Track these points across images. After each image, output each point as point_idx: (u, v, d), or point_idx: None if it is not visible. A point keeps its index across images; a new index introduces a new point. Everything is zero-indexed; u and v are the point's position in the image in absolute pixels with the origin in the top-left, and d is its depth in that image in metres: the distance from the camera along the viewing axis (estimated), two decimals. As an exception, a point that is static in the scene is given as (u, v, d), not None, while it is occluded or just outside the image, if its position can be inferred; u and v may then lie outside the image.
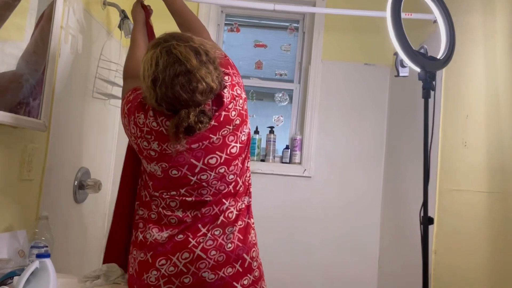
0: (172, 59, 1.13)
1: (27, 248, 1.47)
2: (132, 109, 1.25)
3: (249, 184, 1.37)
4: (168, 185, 1.25)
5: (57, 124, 1.79)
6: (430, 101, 1.92)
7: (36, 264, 1.18)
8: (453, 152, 1.72)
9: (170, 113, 1.19)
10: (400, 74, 1.46)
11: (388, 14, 1.35)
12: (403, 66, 1.41)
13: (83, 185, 2.05)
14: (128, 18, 2.20)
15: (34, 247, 1.44)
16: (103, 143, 2.39)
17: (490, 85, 1.49)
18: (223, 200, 1.27)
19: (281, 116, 2.87)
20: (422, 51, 1.40)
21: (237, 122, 1.26)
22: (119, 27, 2.27)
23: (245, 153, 1.33)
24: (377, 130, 2.68)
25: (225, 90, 1.24)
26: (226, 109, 1.24)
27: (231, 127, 1.25)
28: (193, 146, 1.21)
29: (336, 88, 2.71)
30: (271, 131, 2.73)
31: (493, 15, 1.51)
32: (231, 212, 1.28)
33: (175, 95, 1.14)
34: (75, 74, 1.96)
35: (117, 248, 1.47)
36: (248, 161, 1.36)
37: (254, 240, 1.32)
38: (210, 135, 1.22)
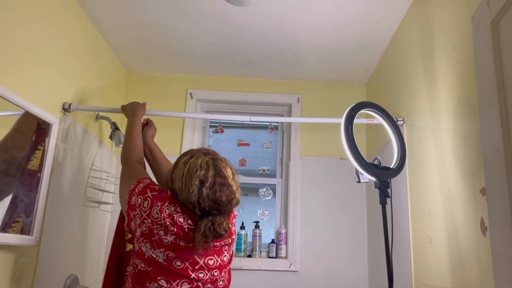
0: (218, 169, 1.39)
1: None
2: (161, 196, 1.37)
3: None
4: (168, 275, 1.34)
5: (48, 236, 1.89)
6: (399, 197, 2.07)
7: None
8: (423, 247, 1.82)
9: (197, 214, 1.35)
10: (361, 181, 1.61)
11: (342, 134, 1.54)
12: (362, 173, 1.57)
13: (71, 293, 2.08)
14: (118, 129, 2.40)
15: None
16: (92, 248, 2.45)
17: (443, 181, 1.64)
18: None
19: (266, 210, 2.99)
20: (375, 162, 1.57)
21: (233, 237, 1.48)
22: (110, 137, 2.45)
23: (229, 268, 1.48)
24: (358, 220, 2.79)
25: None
26: (232, 223, 1.46)
27: (229, 240, 1.45)
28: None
29: (315, 181, 2.87)
30: (257, 226, 2.82)
31: (438, 120, 1.71)
32: None
33: (218, 199, 1.36)
34: (67, 186, 2.10)
35: None
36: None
37: None
38: (215, 242, 1.40)
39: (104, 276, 1.66)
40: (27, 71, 1.74)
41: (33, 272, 1.81)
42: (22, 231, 1.65)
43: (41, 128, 1.81)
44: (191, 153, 1.45)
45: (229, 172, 1.42)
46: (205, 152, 1.45)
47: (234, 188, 1.42)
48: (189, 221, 1.35)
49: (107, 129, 2.55)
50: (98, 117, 2.43)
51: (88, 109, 2.25)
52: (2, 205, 1.56)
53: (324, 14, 2.24)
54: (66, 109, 2.03)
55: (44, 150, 1.81)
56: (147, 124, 1.99)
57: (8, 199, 1.59)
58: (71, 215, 2.16)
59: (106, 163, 2.50)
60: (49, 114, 1.84)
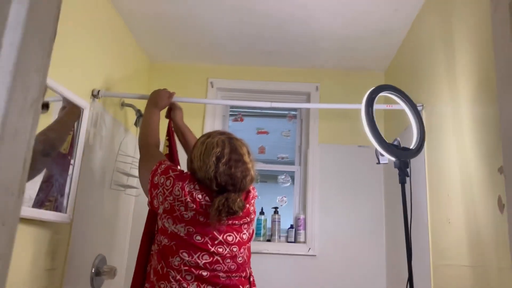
0: (234, 147, 1.48)
1: (49, 334, 1.59)
2: (182, 176, 1.47)
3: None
4: (189, 248, 1.42)
5: (79, 215, 1.98)
6: (417, 180, 2.11)
7: None
8: (440, 228, 1.86)
9: (214, 190, 1.44)
10: (381, 162, 1.66)
11: (362, 115, 1.59)
12: (382, 155, 1.62)
13: (100, 272, 2.18)
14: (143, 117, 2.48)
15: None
16: (118, 230, 2.56)
17: (462, 164, 1.67)
18: (241, 287, 1.48)
19: (285, 196, 3.05)
20: (395, 143, 1.61)
21: (252, 216, 1.56)
22: (135, 124, 2.55)
23: (249, 245, 1.55)
24: (376, 206, 2.83)
25: (251, 188, 1.57)
26: (250, 203, 1.53)
27: (248, 219, 1.53)
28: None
29: (333, 168, 2.91)
30: (276, 212, 2.88)
31: (458, 105, 1.74)
32: None
33: (233, 174, 1.44)
34: (96, 169, 2.19)
35: None
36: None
37: None
38: (233, 220, 1.48)
39: (137, 257, 1.71)
40: (60, 58, 1.83)
41: (65, 250, 1.91)
42: (56, 209, 1.75)
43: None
44: (208, 134, 1.56)
45: (244, 151, 1.51)
46: (221, 132, 1.56)
47: (249, 165, 1.49)
48: (207, 198, 1.44)
49: (131, 117, 2.64)
50: (123, 105, 2.53)
51: (115, 95, 2.34)
52: (37, 183, 1.65)
53: (343, 1, 2.27)
54: (95, 95, 2.12)
55: (73, 135, 1.91)
56: (171, 108, 2.05)
57: (41, 178, 1.68)
58: (99, 197, 2.26)
59: (131, 149, 2.59)
60: (81, 99, 1.93)
